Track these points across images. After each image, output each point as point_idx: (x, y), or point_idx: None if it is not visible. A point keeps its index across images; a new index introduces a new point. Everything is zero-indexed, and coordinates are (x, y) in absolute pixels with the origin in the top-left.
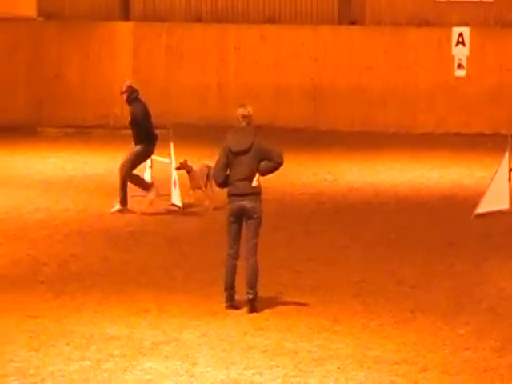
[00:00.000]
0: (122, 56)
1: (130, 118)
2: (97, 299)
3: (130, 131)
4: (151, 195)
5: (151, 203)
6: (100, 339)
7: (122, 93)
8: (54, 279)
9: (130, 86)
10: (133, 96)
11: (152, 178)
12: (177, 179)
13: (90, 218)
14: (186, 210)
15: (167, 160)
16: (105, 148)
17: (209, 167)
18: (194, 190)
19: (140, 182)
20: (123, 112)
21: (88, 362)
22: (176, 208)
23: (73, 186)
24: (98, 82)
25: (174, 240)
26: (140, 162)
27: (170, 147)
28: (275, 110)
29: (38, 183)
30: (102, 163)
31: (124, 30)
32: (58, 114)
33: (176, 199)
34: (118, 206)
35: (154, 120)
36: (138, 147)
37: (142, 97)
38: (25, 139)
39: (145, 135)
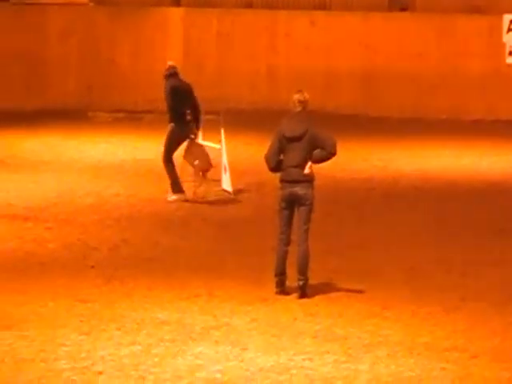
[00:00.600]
0: (173, 42)
1: None
2: (147, 284)
3: None
4: (172, 198)
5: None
6: (150, 324)
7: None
8: (104, 264)
9: (170, 66)
10: (167, 73)
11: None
12: (227, 165)
13: (140, 202)
14: (236, 195)
15: (218, 146)
16: (155, 133)
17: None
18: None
19: (174, 179)
20: None
21: (139, 347)
22: (227, 193)
23: (123, 171)
24: (149, 67)
25: (224, 225)
26: (174, 144)
27: (220, 133)
28: (325, 96)
29: (88, 168)
30: (153, 148)
31: (175, 16)
32: (108, 98)
33: (226, 185)
34: (173, 196)
35: (206, 106)
36: (169, 127)
37: (182, 77)
38: (76, 124)
39: (175, 114)
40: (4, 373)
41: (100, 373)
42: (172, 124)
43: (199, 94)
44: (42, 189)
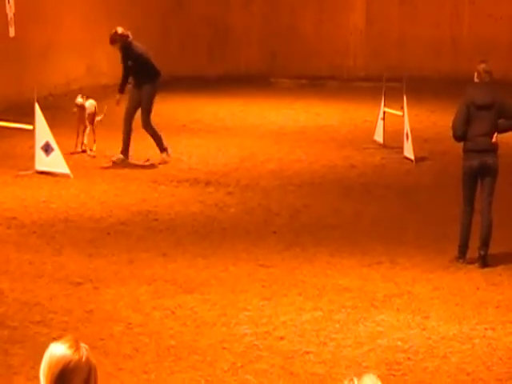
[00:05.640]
0: (355, 8)
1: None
2: (329, 251)
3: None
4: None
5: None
6: (332, 290)
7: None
8: (285, 230)
9: (127, 32)
10: (130, 38)
11: (384, 130)
12: (409, 132)
13: (322, 169)
14: (418, 163)
15: (399, 113)
16: (338, 100)
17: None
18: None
19: (158, 138)
20: (356, 64)
21: (320, 313)
22: (408, 161)
23: (305, 137)
24: (332, 33)
25: (406, 193)
26: (152, 103)
27: (403, 100)
28: (509, 64)
29: (270, 134)
30: (335, 115)
31: None
32: (291, 65)
33: (408, 152)
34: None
35: (388, 72)
36: (146, 88)
37: None
38: (258, 90)
39: (148, 74)
40: (186, 336)
41: (281, 338)
42: (148, 85)
43: (381, 60)
44: (224, 154)
